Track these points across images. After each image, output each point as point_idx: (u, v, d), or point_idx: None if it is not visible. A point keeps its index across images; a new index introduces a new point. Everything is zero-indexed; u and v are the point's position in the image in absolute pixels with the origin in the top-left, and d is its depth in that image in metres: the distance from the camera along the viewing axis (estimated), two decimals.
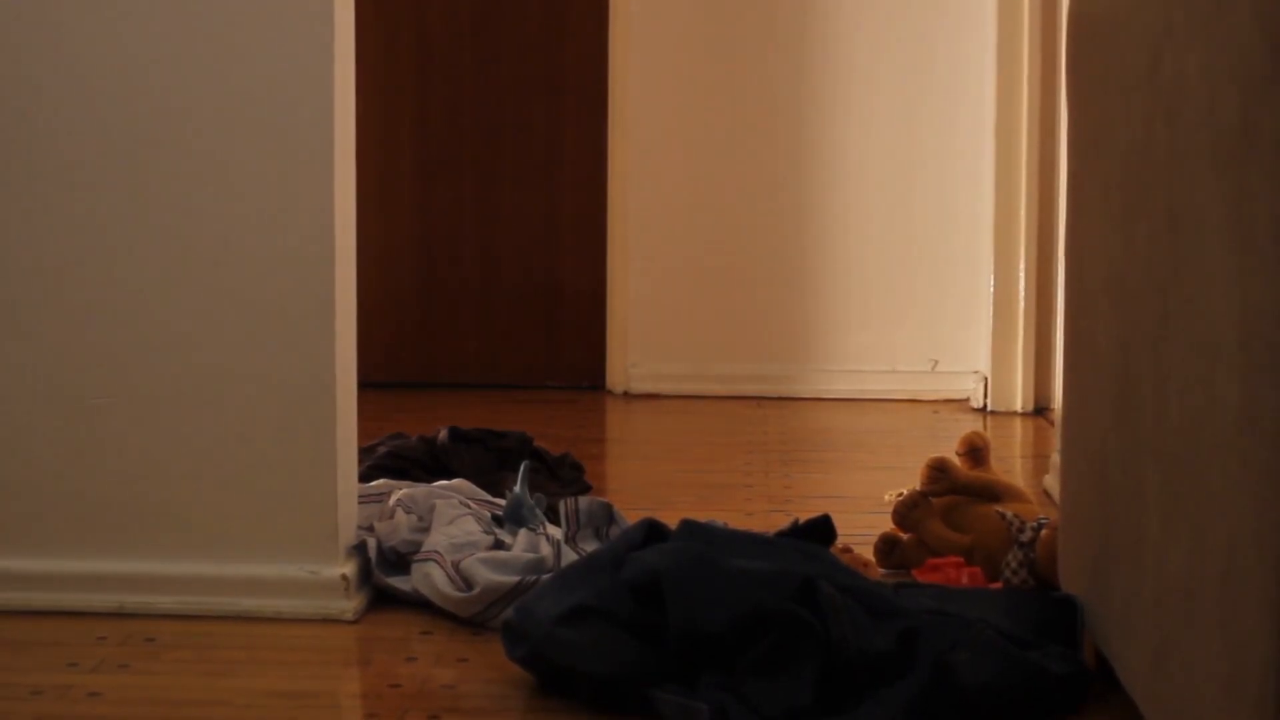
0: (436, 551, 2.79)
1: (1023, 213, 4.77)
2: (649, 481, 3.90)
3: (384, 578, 2.83)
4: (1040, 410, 4.75)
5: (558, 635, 2.37)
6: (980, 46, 4.85)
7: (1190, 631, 1.88)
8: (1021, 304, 4.79)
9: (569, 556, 2.83)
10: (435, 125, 5.10)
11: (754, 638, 2.30)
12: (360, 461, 3.12)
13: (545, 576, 2.69)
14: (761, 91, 4.98)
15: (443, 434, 3.59)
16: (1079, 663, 2.38)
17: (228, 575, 2.75)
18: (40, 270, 2.77)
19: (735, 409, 4.79)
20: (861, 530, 3.16)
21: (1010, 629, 2.41)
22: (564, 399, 4.96)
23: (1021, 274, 4.79)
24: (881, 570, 3.01)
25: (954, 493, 3.07)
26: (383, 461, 3.45)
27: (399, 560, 2.86)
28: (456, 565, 2.75)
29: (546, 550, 2.82)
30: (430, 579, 2.75)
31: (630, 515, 2.97)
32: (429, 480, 3.24)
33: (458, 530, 2.87)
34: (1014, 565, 2.83)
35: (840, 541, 2.90)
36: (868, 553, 3.04)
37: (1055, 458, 3.38)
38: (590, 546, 2.94)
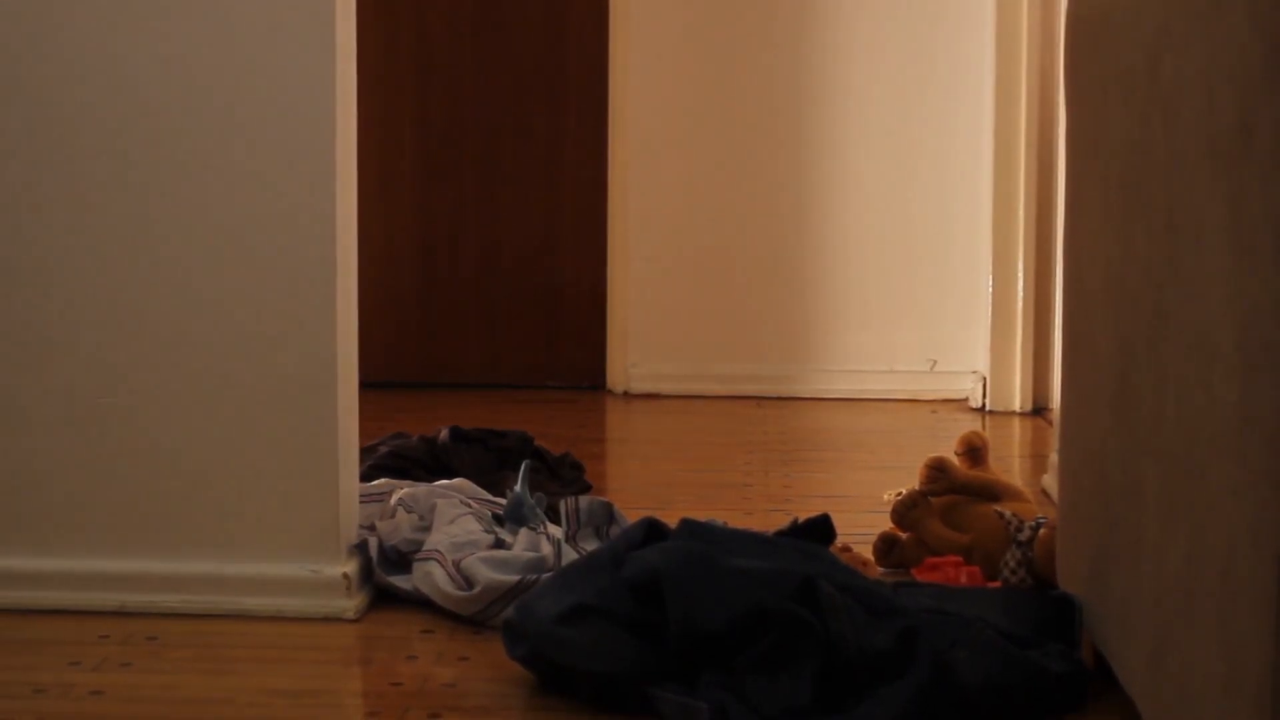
0: (437, 550, 2.79)
1: (1021, 213, 4.78)
2: (649, 481, 3.91)
3: (385, 577, 2.84)
4: (1039, 410, 4.75)
5: (558, 634, 2.37)
6: (979, 47, 4.86)
7: (1188, 630, 1.88)
8: (1020, 304, 4.80)
9: (569, 555, 2.84)
10: (436, 126, 5.11)
11: (754, 637, 2.31)
12: (361, 461, 3.12)
13: (546, 575, 2.69)
14: (761, 92, 4.98)
15: (444, 433, 3.60)
16: (1077, 662, 2.39)
17: (230, 574, 2.76)
18: (43, 270, 2.77)
19: (735, 409, 4.80)
20: (861, 529, 3.17)
21: (1009, 628, 2.41)
22: (564, 399, 4.96)
23: (1020, 274, 4.80)
24: (880, 569, 3.02)
25: (953, 492, 3.08)
26: (384, 461, 3.46)
27: (400, 559, 2.87)
28: (457, 564, 2.75)
29: (547, 549, 2.83)
30: (431, 578, 2.76)
31: (630, 514, 2.97)
32: (430, 480, 3.24)
33: (458, 529, 2.87)
34: (1012, 564, 2.84)
35: (839, 541, 2.90)
36: (867, 552, 3.04)
37: (1054, 457, 3.38)
38: (590, 546, 2.94)
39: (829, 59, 4.96)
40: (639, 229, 5.02)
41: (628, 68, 4.99)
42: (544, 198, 5.11)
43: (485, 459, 3.53)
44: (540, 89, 5.09)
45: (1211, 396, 1.78)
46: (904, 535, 3.06)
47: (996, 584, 2.86)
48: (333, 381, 2.75)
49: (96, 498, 2.79)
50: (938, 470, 3.09)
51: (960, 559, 2.95)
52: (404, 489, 3.06)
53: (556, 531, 2.94)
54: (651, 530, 2.61)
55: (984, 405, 4.85)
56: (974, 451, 3.20)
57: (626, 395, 5.02)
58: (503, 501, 3.05)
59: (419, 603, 2.79)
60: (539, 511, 2.97)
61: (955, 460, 3.17)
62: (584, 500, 3.09)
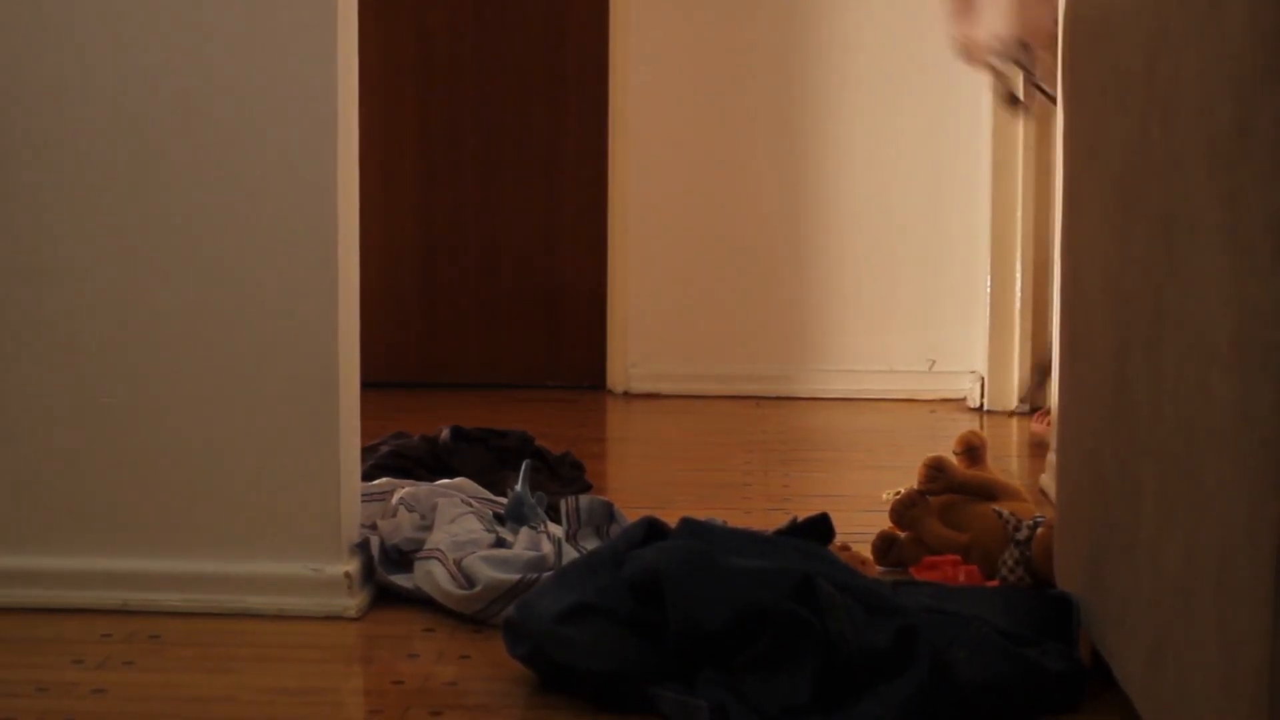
0: (439, 549, 2.80)
1: (1019, 213, 4.78)
2: (649, 480, 3.92)
3: (386, 575, 2.85)
4: (1036, 410, 4.76)
5: (559, 633, 2.38)
6: None
7: (1186, 629, 1.89)
8: (1018, 304, 4.81)
9: (570, 554, 2.84)
10: (437, 128, 5.12)
11: (753, 635, 2.31)
12: (363, 460, 3.13)
13: (546, 574, 2.70)
14: (760, 94, 4.99)
15: (445, 433, 3.60)
16: (1075, 660, 2.39)
17: (232, 573, 2.77)
18: (46, 271, 2.78)
19: (734, 409, 4.80)
20: (859, 529, 3.17)
21: (1007, 627, 2.42)
22: (565, 399, 4.97)
23: (1018, 274, 4.80)
24: (879, 568, 3.03)
25: (951, 491, 3.09)
26: (385, 460, 3.46)
27: (401, 558, 2.87)
28: (458, 563, 2.76)
29: (547, 548, 2.84)
30: (432, 577, 2.76)
31: (630, 514, 2.98)
32: (431, 479, 3.25)
33: (460, 528, 2.88)
34: (1010, 563, 2.85)
35: (838, 540, 2.91)
36: (866, 551, 3.05)
37: (1051, 457, 3.39)
38: (591, 545, 2.95)
39: (828, 60, 4.97)
40: (639, 229, 5.03)
41: (628, 69, 5.00)
42: (544, 198, 5.11)
43: (486, 458, 3.53)
44: (540, 90, 5.09)
45: (1209, 396, 1.78)
46: (902, 534, 3.07)
47: (995, 583, 2.86)
48: (334, 381, 2.76)
49: (99, 497, 2.80)
50: (936, 470, 3.10)
51: (958, 558, 2.96)
52: (405, 488, 3.07)
53: (557, 530, 2.95)
54: (651, 529, 2.62)
55: (982, 405, 4.86)
56: (972, 451, 3.21)
57: (626, 395, 5.02)
58: (503, 501, 3.06)
59: (420, 601, 2.79)
60: (539, 511, 2.97)
61: (953, 460, 3.17)
62: (584, 499, 3.09)
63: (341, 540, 2.78)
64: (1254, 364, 1.64)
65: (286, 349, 2.76)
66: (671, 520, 2.66)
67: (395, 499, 3.00)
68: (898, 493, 3.12)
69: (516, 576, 2.72)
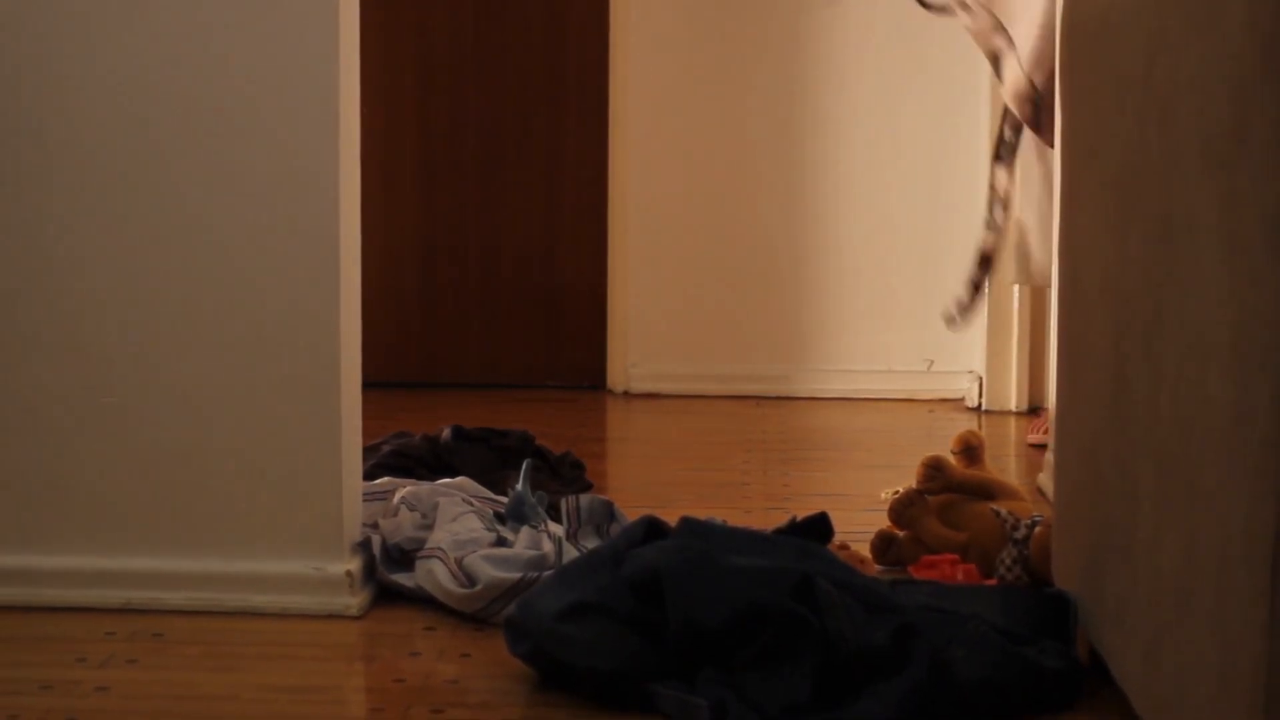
0: (440, 548, 2.81)
1: None
2: (649, 479, 3.92)
3: (388, 574, 2.86)
4: (1034, 410, 4.76)
5: (559, 631, 2.39)
6: (976, 49, 4.87)
7: (1183, 627, 1.89)
8: (1016, 304, 4.81)
9: (570, 553, 2.85)
10: (438, 129, 5.12)
11: (752, 634, 2.32)
12: (364, 460, 3.14)
13: (547, 573, 2.71)
14: (760, 95, 5.00)
15: (446, 433, 3.61)
16: (1073, 658, 2.40)
17: (234, 572, 2.78)
18: (50, 271, 2.79)
19: (734, 408, 4.81)
20: (858, 528, 3.18)
21: (1005, 625, 2.43)
22: (565, 398, 4.98)
23: None
24: (878, 567, 3.03)
25: (949, 491, 3.10)
26: (387, 460, 3.47)
27: (403, 557, 2.88)
28: (459, 562, 2.77)
29: (548, 547, 2.84)
30: (434, 575, 2.77)
31: (630, 513, 2.98)
32: (432, 478, 3.25)
33: (461, 527, 2.89)
34: (1008, 562, 2.86)
35: (837, 539, 2.92)
36: (864, 550, 3.06)
37: (1049, 456, 3.40)
38: (591, 544, 2.95)
39: (827, 61, 4.97)
40: (639, 230, 5.03)
41: (628, 70, 5.00)
42: (545, 199, 5.12)
43: (487, 458, 3.54)
44: (541, 91, 5.10)
45: (1206, 396, 1.79)
46: (901, 533, 3.08)
47: (993, 582, 2.87)
48: (336, 381, 2.77)
49: (102, 497, 2.80)
50: (934, 469, 3.11)
51: (957, 557, 2.96)
52: (407, 487, 3.08)
53: (557, 530, 2.95)
54: (651, 528, 2.62)
55: (980, 405, 4.87)
56: (970, 450, 3.21)
57: (626, 395, 5.03)
58: (504, 500, 3.06)
59: (422, 600, 2.80)
60: (540, 510, 2.98)
61: (952, 459, 3.18)
62: (584, 499, 3.09)
63: (343, 539, 2.79)
64: (1252, 364, 1.65)
65: (288, 349, 2.77)
66: (671, 519, 2.67)
67: (397, 498, 3.01)
68: (896, 492, 3.13)
69: (517, 575, 2.73)
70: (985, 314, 4.86)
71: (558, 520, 3.03)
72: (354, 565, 2.80)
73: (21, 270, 2.79)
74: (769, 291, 5.02)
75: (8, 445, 2.82)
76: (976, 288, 4.01)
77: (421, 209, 5.14)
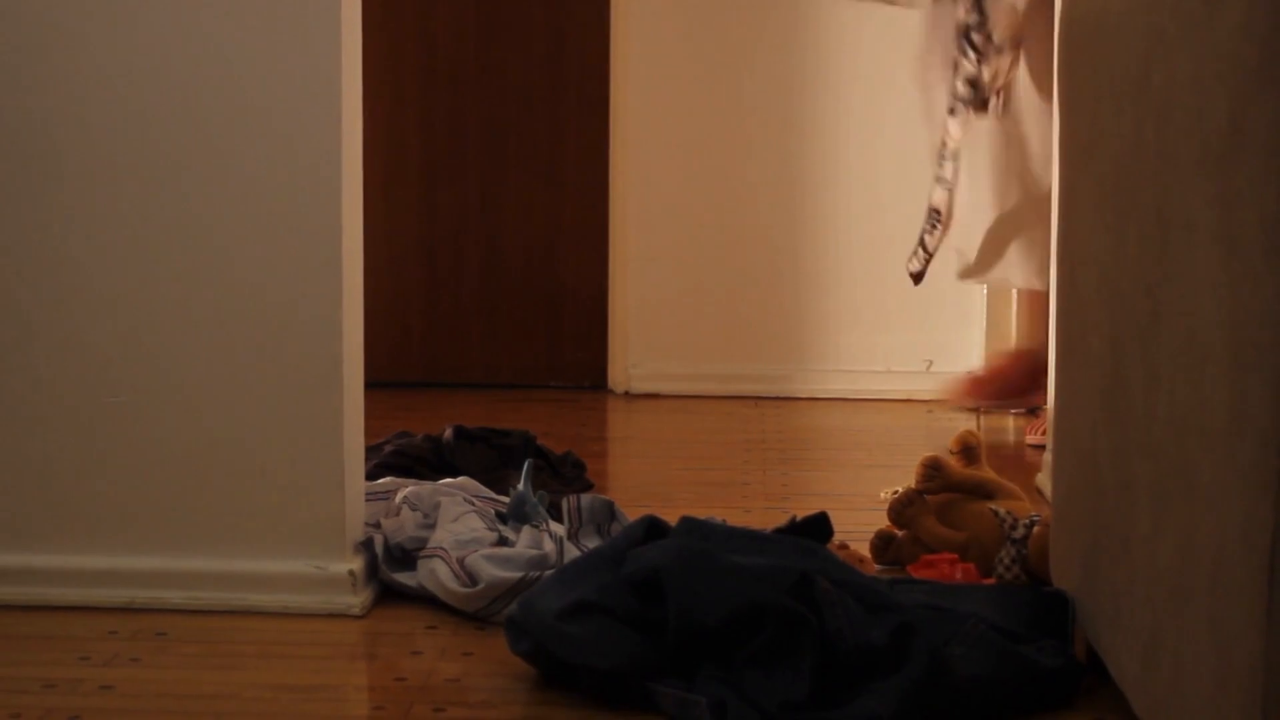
0: (442, 548, 2.82)
1: None
2: (649, 479, 3.92)
3: (390, 573, 2.87)
4: (1033, 410, 4.77)
5: (560, 630, 2.39)
6: None
7: (1180, 626, 1.90)
8: (1015, 305, 4.82)
9: (571, 553, 2.85)
10: (440, 130, 5.13)
11: (751, 632, 2.33)
12: (367, 460, 3.14)
13: (548, 572, 2.71)
14: (760, 95, 5.01)
15: (448, 433, 3.61)
16: (1070, 657, 2.41)
17: (237, 571, 2.79)
18: (52, 271, 2.79)
19: (734, 408, 4.81)
20: (857, 527, 3.18)
21: (1003, 624, 2.43)
22: (566, 398, 4.98)
23: None
24: (877, 566, 3.04)
25: (948, 490, 3.10)
26: (389, 460, 3.47)
27: (405, 556, 2.89)
28: (461, 561, 2.77)
29: (549, 547, 2.85)
30: (435, 575, 2.78)
31: (631, 512, 2.99)
32: (434, 478, 3.25)
33: (462, 527, 2.89)
34: (1007, 561, 2.87)
35: (837, 538, 2.93)
36: (863, 549, 3.07)
37: (1047, 456, 3.41)
38: (592, 543, 2.96)
39: (826, 61, 4.98)
40: (640, 230, 5.04)
41: (628, 70, 5.01)
42: (546, 199, 5.13)
43: (489, 458, 3.54)
44: (542, 92, 5.11)
45: (1202, 396, 1.80)
46: (900, 533, 3.08)
47: (991, 581, 2.88)
48: (338, 381, 2.77)
49: (104, 495, 2.81)
50: (933, 469, 3.11)
51: (955, 556, 2.97)
52: (409, 487, 3.08)
53: (559, 529, 2.96)
54: (652, 528, 2.63)
55: (979, 405, 4.87)
56: (969, 450, 3.22)
57: (627, 395, 5.04)
58: (506, 499, 3.07)
59: (423, 599, 2.81)
60: (541, 509, 2.99)
61: (950, 459, 3.19)
62: (585, 498, 3.10)
63: (346, 539, 2.80)
64: (1248, 364, 1.66)
65: (291, 348, 2.77)
66: (671, 519, 2.68)
67: (399, 498, 3.02)
68: (895, 492, 3.14)
69: (519, 574, 2.73)
70: (984, 315, 4.87)
71: (559, 520, 3.03)
72: (356, 564, 2.81)
73: (22, 270, 2.80)
74: (769, 292, 5.02)
75: (10, 444, 2.82)
76: (924, 245, 4.02)
77: (423, 209, 5.14)
